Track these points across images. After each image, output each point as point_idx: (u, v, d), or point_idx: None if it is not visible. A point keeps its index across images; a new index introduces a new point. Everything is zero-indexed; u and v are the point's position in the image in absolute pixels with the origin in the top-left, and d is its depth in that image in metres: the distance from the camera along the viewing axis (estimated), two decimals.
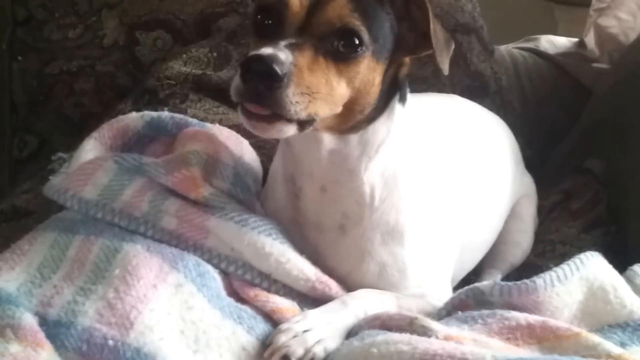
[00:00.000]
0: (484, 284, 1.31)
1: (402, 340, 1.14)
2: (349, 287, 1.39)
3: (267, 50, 1.13)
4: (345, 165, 1.35)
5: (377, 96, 1.29)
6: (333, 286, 1.37)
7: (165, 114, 1.64)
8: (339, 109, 1.24)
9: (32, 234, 1.32)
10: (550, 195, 2.01)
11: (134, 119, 1.61)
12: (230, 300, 1.30)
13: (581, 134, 2.26)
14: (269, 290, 1.34)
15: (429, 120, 1.64)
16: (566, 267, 1.28)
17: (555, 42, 2.76)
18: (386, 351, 1.12)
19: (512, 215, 1.88)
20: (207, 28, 2.08)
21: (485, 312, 1.23)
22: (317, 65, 1.19)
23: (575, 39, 2.75)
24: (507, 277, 1.79)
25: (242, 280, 1.34)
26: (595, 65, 2.61)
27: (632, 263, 1.39)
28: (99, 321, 1.14)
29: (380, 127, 1.35)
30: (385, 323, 1.25)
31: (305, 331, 1.24)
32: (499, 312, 1.21)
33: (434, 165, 1.51)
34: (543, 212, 1.97)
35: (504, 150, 1.87)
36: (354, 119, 1.29)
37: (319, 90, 1.18)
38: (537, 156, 2.23)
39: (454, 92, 2.13)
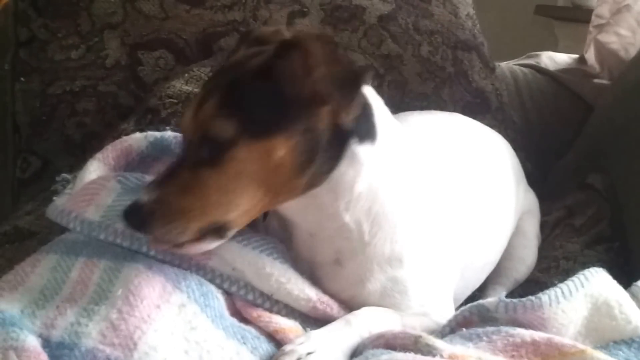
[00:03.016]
0: (489, 300, 1.30)
1: (406, 359, 1.13)
2: (351, 308, 1.38)
3: (134, 202, 1.20)
4: (324, 211, 1.34)
5: (304, 164, 1.24)
6: (334, 307, 1.37)
7: (168, 133, 1.64)
8: (255, 197, 1.23)
9: (35, 256, 1.32)
10: (553, 211, 2.01)
11: (138, 139, 1.61)
12: (234, 320, 1.29)
13: (583, 149, 2.26)
14: (271, 310, 1.34)
15: (428, 140, 1.63)
16: (571, 284, 1.27)
17: (555, 59, 2.77)
18: None
19: (516, 231, 1.87)
20: (209, 47, 2.09)
21: (490, 329, 1.22)
22: (197, 180, 1.20)
23: (576, 55, 2.76)
24: (511, 294, 1.78)
25: (245, 300, 1.34)
26: (596, 81, 2.62)
27: (635, 279, 1.37)
28: (103, 342, 1.13)
29: (344, 174, 1.31)
30: (389, 342, 1.23)
31: (309, 353, 1.22)
32: (504, 329, 1.20)
33: (431, 187, 1.49)
34: (546, 228, 1.96)
35: (506, 169, 1.86)
36: (300, 188, 1.27)
37: (204, 205, 1.20)
38: (538, 172, 2.23)
39: (455, 109, 2.14)
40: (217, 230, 1.23)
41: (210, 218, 1.21)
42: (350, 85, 1.21)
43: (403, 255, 1.40)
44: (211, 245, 1.24)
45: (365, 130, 1.32)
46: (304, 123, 1.21)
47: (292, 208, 1.33)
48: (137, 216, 1.19)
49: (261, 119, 1.20)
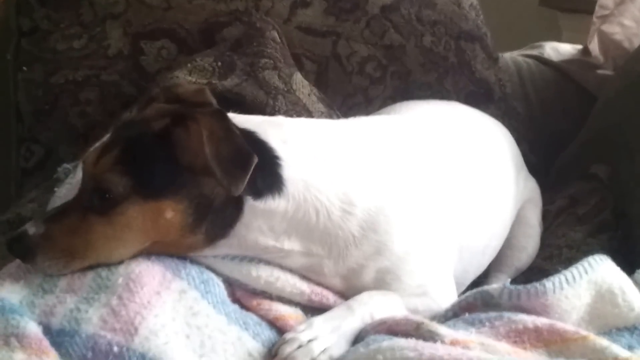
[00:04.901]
0: (493, 287, 1.30)
1: (408, 346, 1.13)
2: (348, 297, 1.37)
3: (20, 232, 1.24)
4: (257, 247, 1.34)
5: (193, 225, 1.26)
6: (330, 297, 1.37)
7: None
8: (141, 247, 1.26)
9: None
10: (556, 200, 2.01)
11: None
12: (236, 307, 1.30)
13: (586, 140, 2.25)
14: (271, 298, 1.34)
15: (422, 127, 1.66)
16: (575, 270, 1.27)
17: (559, 49, 2.76)
18: (392, 357, 1.11)
19: (518, 220, 1.88)
20: (211, 37, 2.09)
21: (493, 314, 1.22)
22: (84, 224, 1.24)
23: (580, 46, 2.75)
24: (514, 281, 1.77)
25: (244, 289, 1.34)
26: (599, 71, 2.61)
27: (638, 267, 1.38)
28: (103, 328, 1.14)
29: (251, 224, 1.31)
30: (391, 328, 1.24)
31: (310, 340, 1.23)
32: (506, 314, 1.21)
33: (411, 175, 1.50)
34: (549, 217, 1.96)
35: (504, 156, 1.87)
36: (200, 243, 1.29)
37: (87, 247, 1.23)
38: (542, 162, 2.23)
39: (458, 99, 2.14)
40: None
41: (93, 260, 1.24)
42: (236, 168, 1.22)
43: (380, 250, 1.39)
44: None
45: (268, 185, 1.31)
46: (195, 189, 1.25)
47: (224, 249, 1.33)
48: (22, 246, 1.23)
49: (154, 181, 1.24)
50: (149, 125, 1.28)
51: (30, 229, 1.23)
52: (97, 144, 1.30)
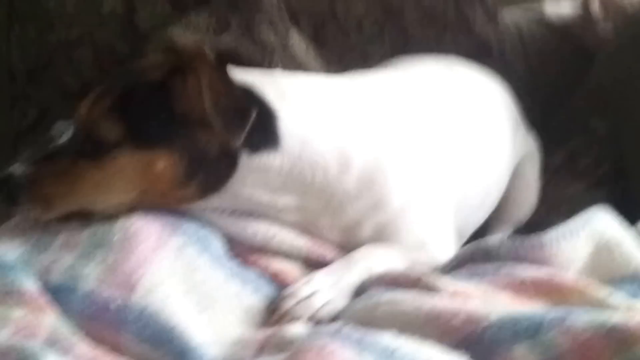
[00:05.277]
0: (492, 239, 1.32)
1: (408, 299, 1.14)
2: (348, 251, 1.37)
3: (7, 172, 1.23)
4: (252, 201, 1.34)
5: (185, 178, 1.26)
6: (329, 252, 1.37)
7: None
8: (129, 197, 1.25)
9: None
10: (555, 155, 2.01)
11: None
12: (235, 262, 1.30)
13: (586, 95, 2.25)
14: (269, 254, 1.34)
15: (421, 84, 1.66)
16: (574, 223, 1.27)
17: (559, 7, 2.74)
18: (391, 311, 1.12)
19: (515, 174, 1.88)
20: None
21: (492, 267, 1.22)
22: (74, 169, 1.23)
23: (579, 3, 2.73)
24: (513, 234, 1.79)
25: (243, 245, 1.34)
26: (599, 29, 2.59)
27: (637, 220, 1.38)
28: (101, 284, 1.14)
29: (245, 180, 1.31)
30: (391, 282, 1.24)
31: (310, 295, 1.23)
32: (506, 266, 1.21)
33: (418, 129, 1.51)
34: (548, 172, 1.96)
35: (501, 112, 1.86)
36: (191, 196, 1.29)
37: (72, 191, 1.22)
38: (540, 118, 2.22)
39: (456, 56, 2.12)
40: (83, 216, 1.24)
41: (78, 205, 1.23)
42: (235, 118, 1.22)
43: (378, 205, 1.39)
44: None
45: (263, 140, 1.31)
46: (189, 142, 1.24)
47: (217, 202, 1.33)
48: (5, 186, 1.22)
49: (148, 130, 1.23)
50: (146, 75, 1.28)
51: (18, 169, 1.23)
52: (90, 96, 1.29)
